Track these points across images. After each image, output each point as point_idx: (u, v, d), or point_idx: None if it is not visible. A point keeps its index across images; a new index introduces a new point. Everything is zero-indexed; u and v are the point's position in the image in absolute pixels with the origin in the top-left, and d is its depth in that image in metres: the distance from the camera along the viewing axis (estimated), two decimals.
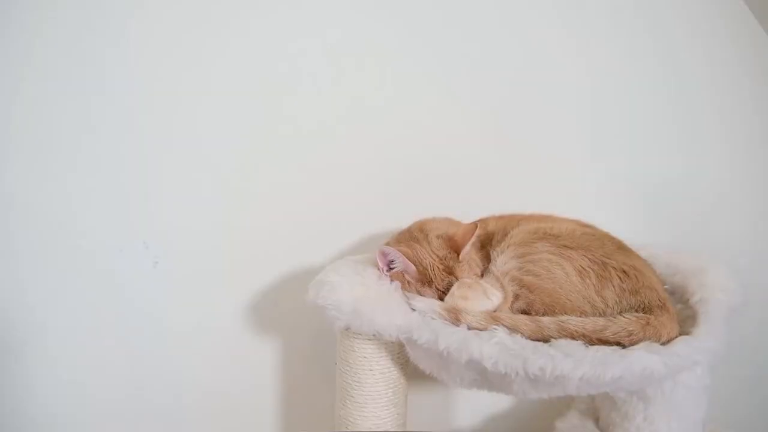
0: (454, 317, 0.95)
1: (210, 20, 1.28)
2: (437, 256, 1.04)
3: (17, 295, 1.28)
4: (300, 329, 1.40)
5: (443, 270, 1.03)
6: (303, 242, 1.37)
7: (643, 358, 0.86)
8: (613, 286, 0.98)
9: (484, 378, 0.93)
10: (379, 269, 1.05)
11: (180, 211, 1.32)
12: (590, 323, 0.93)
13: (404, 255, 1.03)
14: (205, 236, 1.34)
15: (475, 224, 1.08)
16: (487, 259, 1.08)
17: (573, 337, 0.91)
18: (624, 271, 0.99)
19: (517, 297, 0.99)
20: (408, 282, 1.04)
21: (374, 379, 1.08)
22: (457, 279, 1.03)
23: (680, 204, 1.43)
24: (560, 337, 0.91)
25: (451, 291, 1.00)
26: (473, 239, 1.05)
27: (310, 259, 1.36)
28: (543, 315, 0.96)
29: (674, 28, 1.39)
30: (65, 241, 1.28)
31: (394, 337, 0.99)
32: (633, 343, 0.91)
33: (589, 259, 1.00)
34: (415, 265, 1.03)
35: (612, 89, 1.41)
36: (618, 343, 0.91)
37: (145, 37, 1.26)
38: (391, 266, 1.04)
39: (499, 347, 0.88)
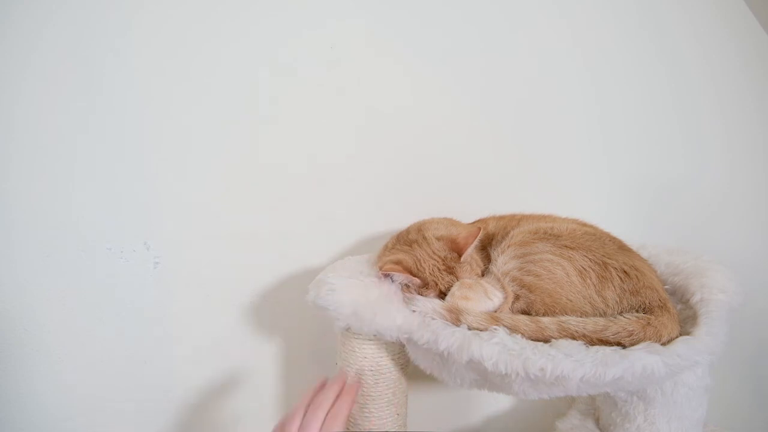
0: (455, 317, 0.95)
1: (211, 20, 1.28)
2: (438, 257, 1.04)
3: (17, 295, 1.27)
4: (300, 329, 1.40)
5: (444, 270, 1.03)
6: (304, 242, 1.37)
7: (643, 358, 0.87)
8: (614, 287, 0.98)
9: (485, 378, 0.93)
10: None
11: (181, 211, 1.32)
12: (591, 323, 0.93)
13: (405, 268, 1.03)
14: (207, 236, 1.34)
15: (478, 227, 1.08)
16: (487, 259, 1.08)
17: (573, 338, 0.91)
18: (625, 272, 0.99)
19: (517, 297, 0.99)
20: (407, 285, 1.04)
21: (374, 379, 1.08)
22: (458, 279, 1.03)
23: (681, 204, 1.43)
24: (561, 338, 0.92)
25: (451, 291, 1.00)
26: (476, 242, 1.05)
27: (310, 259, 1.36)
28: (543, 315, 0.97)
29: (674, 28, 1.39)
30: (65, 241, 1.28)
31: (395, 338, 0.99)
32: (633, 344, 0.91)
33: (589, 259, 1.00)
34: (415, 275, 1.03)
35: (614, 91, 1.41)
36: (618, 344, 0.91)
37: (145, 37, 1.26)
38: (393, 279, 1.05)
39: (500, 347, 0.88)
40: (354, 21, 1.33)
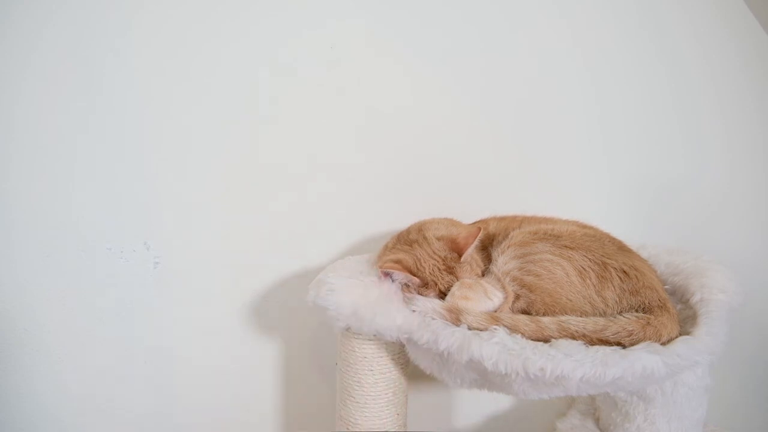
0: (455, 317, 0.95)
1: (211, 20, 1.28)
2: (439, 257, 1.04)
3: (17, 295, 1.28)
4: (300, 329, 1.40)
5: (444, 270, 1.03)
6: (303, 242, 1.37)
7: (643, 358, 0.87)
8: (614, 287, 0.98)
9: (485, 378, 0.93)
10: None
11: (181, 211, 1.32)
12: (591, 323, 0.93)
13: (405, 268, 1.03)
14: (206, 236, 1.34)
15: (478, 227, 1.08)
16: (488, 259, 1.08)
17: (573, 338, 0.92)
18: (624, 272, 0.99)
19: (517, 297, 0.99)
20: (407, 285, 1.04)
21: (374, 379, 1.08)
22: (458, 279, 1.03)
23: (681, 204, 1.43)
24: (560, 338, 0.92)
25: (451, 291, 1.01)
26: (476, 242, 1.05)
27: (310, 259, 1.36)
28: (543, 315, 0.97)
29: (674, 28, 1.39)
30: (65, 241, 1.28)
31: (395, 338, 0.99)
32: (633, 343, 0.91)
33: (589, 259, 1.00)
34: (415, 274, 1.03)
35: (614, 91, 1.41)
36: (618, 343, 0.91)
37: (145, 37, 1.26)
38: (393, 279, 1.05)
39: (500, 347, 0.88)
40: (354, 21, 1.33)
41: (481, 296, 0.98)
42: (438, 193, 1.38)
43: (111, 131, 1.27)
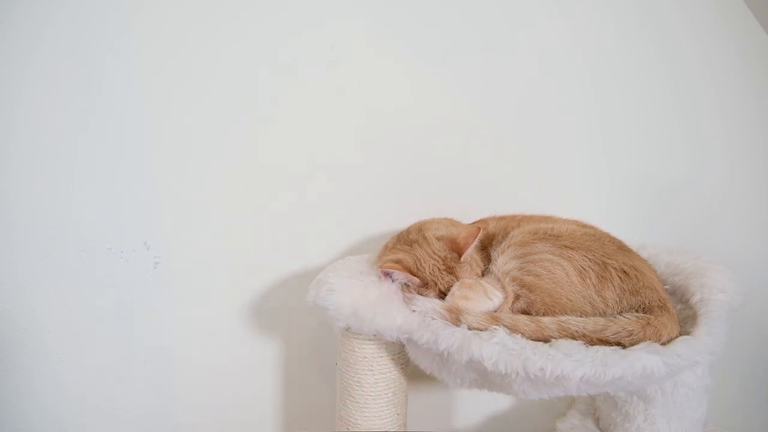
0: (455, 317, 0.95)
1: (211, 20, 1.28)
2: (439, 257, 1.04)
3: (17, 295, 1.28)
4: (300, 329, 1.40)
5: (444, 270, 1.03)
6: (303, 242, 1.37)
7: (643, 358, 0.87)
8: (614, 286, 0.98)
9: (485, 378, 0.93)
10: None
11: (181, 211, 1.32)
12: (591, 323, 0.93)
13: (405, 267, 1.03)
14: (206, 236, 1.34)
15: (477, 227, 1.08)
16: (487, 259, 1.08)
17: (573, 338, 0.92)
18: (624, 272, 0.99)
19: (517, 297, 0.99)
20: (407, 285, 1.04)
21: (374, 379, 1.08)
22: (458, 279, 1.03)
23: (681, 204, 1.43)
24: (560, 338, 0.92)
25: (451, 291, 1.01)
26: (476, 242, 1.05)
27: (310, 259, 1.36)
28: (543, 315, 0.97)
29: (674, 28, 1.40)
30: (65, 241, 1.28)
31: (395, 338, 0.99)
32: (633, 343, 0.91)
33: (589, 259, 1.00)
34: (415, 274, 1.03)
35: (614, 91, 1.41)
36: (618, 343, 0.91)
37: (145, 37, 1.26)
38: (393, 279, 1.05)
39: (500, 347, 0.88)
40: (354, 21, 1.33)
41: (481, 296, 0.98)
42: (438, 193, 1.38)
43: (111, 131, 1.27)
